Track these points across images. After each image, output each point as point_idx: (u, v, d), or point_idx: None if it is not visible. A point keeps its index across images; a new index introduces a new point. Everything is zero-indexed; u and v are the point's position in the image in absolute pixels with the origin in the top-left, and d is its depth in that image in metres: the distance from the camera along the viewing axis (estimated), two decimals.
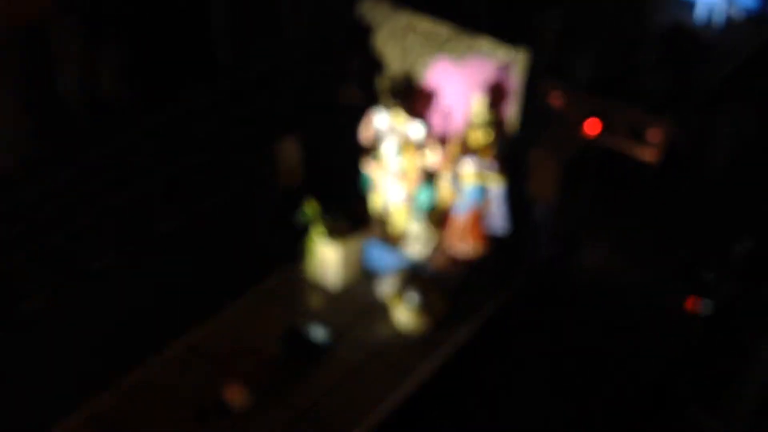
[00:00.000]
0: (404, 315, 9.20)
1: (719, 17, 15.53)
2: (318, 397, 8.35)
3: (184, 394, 8.30)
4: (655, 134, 13.78)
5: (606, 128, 13.59)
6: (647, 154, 13.96)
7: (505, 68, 8.93)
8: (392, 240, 9.94)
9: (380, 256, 9.86)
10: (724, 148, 13.47)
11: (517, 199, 9.71)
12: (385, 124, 9.46)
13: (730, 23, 15.63)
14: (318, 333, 8.96)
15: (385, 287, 9.45)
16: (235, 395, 8.29)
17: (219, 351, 8.77)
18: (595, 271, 11.80)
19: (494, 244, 9.77)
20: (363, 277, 9.88)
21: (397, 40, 9.32)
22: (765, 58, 15.47)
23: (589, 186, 10.86)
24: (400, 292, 9.28)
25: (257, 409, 8.23)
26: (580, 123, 12.42)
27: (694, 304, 10.41)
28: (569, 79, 14.14)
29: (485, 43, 8.80)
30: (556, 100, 12.54)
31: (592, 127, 10.93)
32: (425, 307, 9.19)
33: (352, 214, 9.93)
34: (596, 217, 11.76)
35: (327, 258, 9.65)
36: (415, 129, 9.40)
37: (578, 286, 11.31)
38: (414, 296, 9.19)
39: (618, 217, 12.49)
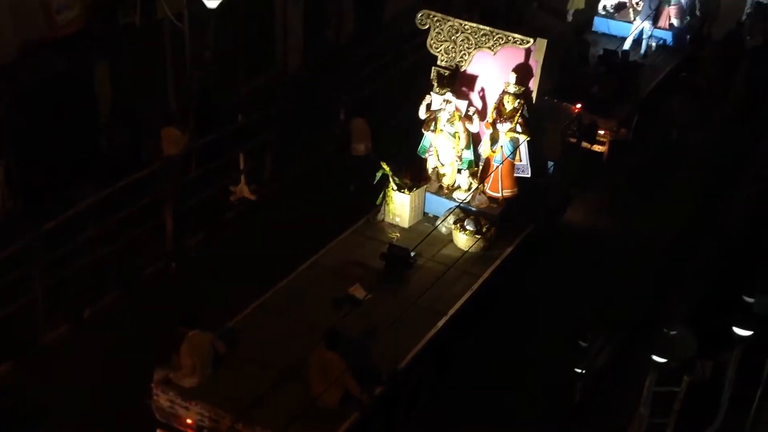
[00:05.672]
0: (465, 238, 12.42)
1: (644, 47, 19.62)
2: (415, 293, 11.32)
3: (322, 292, 11.33)
4: (605, 133, 17.58)
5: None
6: (600, 148, 17.76)
7: (529, 53, 12.46)
8: (445, 189, 13.24)
9: (437, 202, 13.14)
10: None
11: (537, 155, 13.16)
12: (438, 102, 12.82)
13: (650, 50, 19.77)
14: (405, 252, 12.08)
15: (446, 222, 12.67)
16: (357, 291, 11.32)
17: (337, 266, 11.87)
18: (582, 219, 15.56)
19: (522, 188, 13.13)
20: (424, 218, 13.21)
21: (447, 39, 12.75)
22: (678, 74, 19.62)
23: (578, 150, 14.50)
24: (459, 223, 12.53)
25: (373, 301, 11.25)
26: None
27: None
28: None
29: (515, 36, 12.32)
30: None
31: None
32: (479, 233, 12.44)
33: (414, 171, 13.20)
34: (583, 178, 15.46)
35: (399, 205, 12.86)
36: (461, 104, 12.78)
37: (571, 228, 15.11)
38: (471, 224, 12.46)
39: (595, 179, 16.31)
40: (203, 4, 14.17)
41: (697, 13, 20.54)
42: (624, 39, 19.32)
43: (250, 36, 17.04)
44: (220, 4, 14.23)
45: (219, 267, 13.41)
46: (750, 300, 10.11)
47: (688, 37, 20.13)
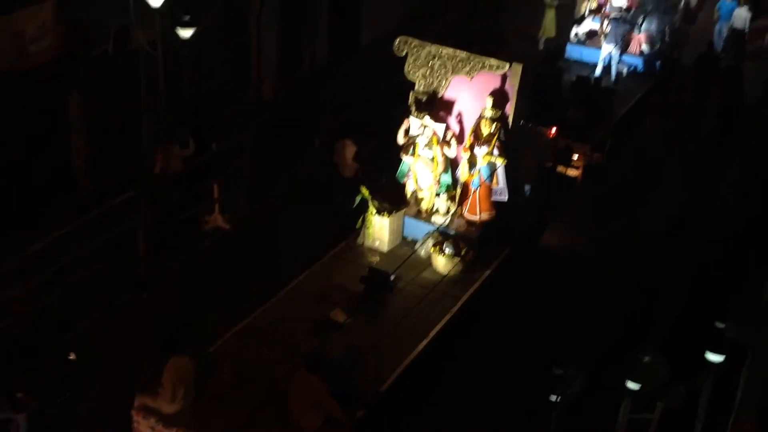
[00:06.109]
0: (444, 261, 12.48)
1: (613, 73, 19.96)
2: (395, 316, 11.40)
3: (303, 316, 11.32)
4: (579, 157, 17.78)
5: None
6: (573, 173, 17.94)
7: (505, 78, 12.64)
8: (424, 213, 13.31)
9: (415, 225, 13.20)
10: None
11: (514, 178, 13.28)
12: (416, 127, 12.92)
13: (620, 76, 20.12)
14: (385, 275, 12.11)
15: (425, 245, 12.72)
16: (338, 315, 11.32)
17: (317, 290, 11.89)
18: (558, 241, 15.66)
19: (499, 211, 13.23)
20: (403, 241, 13.25)
21: (424, 65, 12.90)
22: (649, 99, 19.97)
23: (553, 173, 14.66)
24: (438, 246, 12.58)
25: (354, 324, 11.25)
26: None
27: None
28: None
29: (491, 61, 12.50)
30: None
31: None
32: (458, 255, 12.51)
33: (394, 195, 13.25)
34: (558, 202, 15.60)
35: (378, 228, 12.90)
36: (439, 128, 12.90)
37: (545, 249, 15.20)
38: (450, 247, 12.52)
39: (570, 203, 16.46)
40: (177, 34, 14.24)
41: (667, 39, 20.96)
42: (596, 66, 19.66)
43: (224, 62, 17.09)
44: (195, 32, 14.29)
45: (197, 294, 13.22)
46: (722, 325, 10.22)
47: (658, 63, 20.52)
